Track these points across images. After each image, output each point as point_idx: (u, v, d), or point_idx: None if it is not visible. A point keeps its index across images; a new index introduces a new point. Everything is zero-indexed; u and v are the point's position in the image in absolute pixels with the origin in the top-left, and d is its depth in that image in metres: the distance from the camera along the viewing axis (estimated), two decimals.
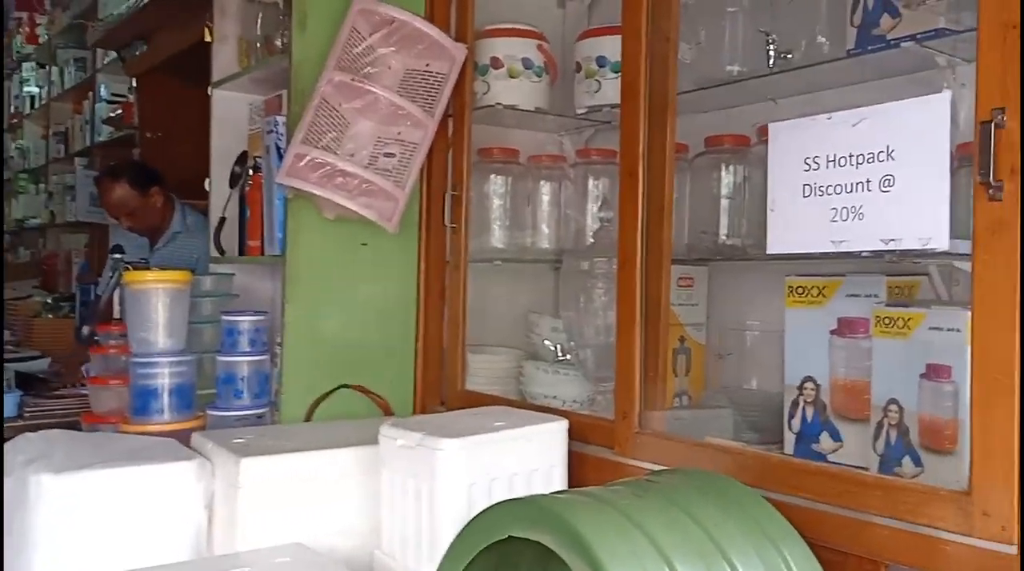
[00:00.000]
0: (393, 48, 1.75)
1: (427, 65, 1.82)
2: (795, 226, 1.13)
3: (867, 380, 1.32)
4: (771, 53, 1.49)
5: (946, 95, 0.98)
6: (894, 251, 1.03)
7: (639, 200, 1.38)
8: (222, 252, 2.11)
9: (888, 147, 1.03)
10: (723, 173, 1.70)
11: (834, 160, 1.09)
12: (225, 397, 1.79)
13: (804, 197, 1.12)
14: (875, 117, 1.05)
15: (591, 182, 1.98)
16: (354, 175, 1.62)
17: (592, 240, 1.87)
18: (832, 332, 1.37)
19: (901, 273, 1.37)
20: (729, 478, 1.06)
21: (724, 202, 1.70)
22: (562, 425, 1.42)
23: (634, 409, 1.38)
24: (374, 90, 1.67)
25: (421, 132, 1.75)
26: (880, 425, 1.25)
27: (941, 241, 0.98)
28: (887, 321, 1.24)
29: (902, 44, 1.29)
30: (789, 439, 1.44)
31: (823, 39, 1.49)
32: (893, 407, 1.23)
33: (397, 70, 1.81)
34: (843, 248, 1.08)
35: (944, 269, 1.39)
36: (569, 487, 1.41)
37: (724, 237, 1.69)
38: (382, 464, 1.38)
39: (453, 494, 1.26)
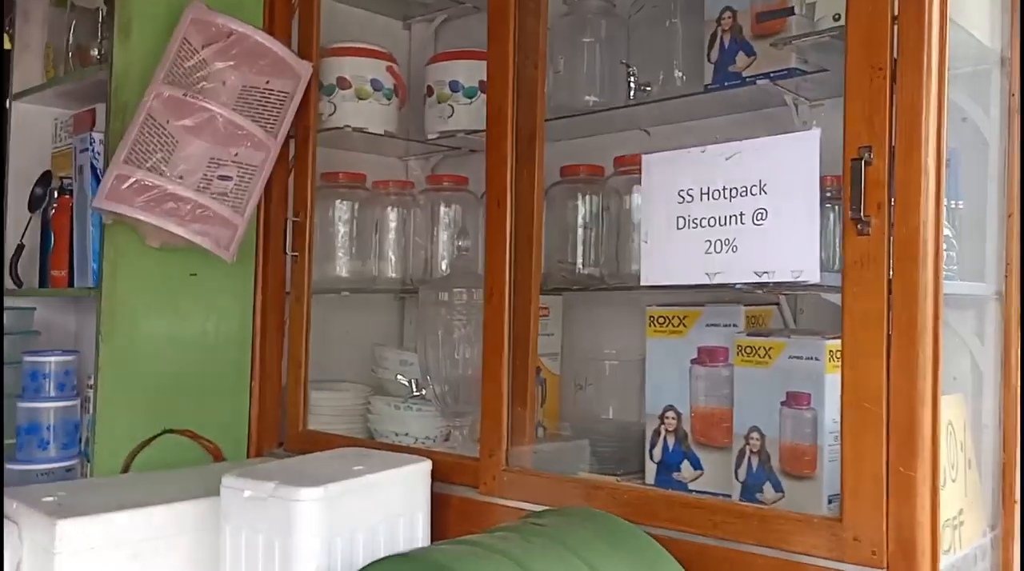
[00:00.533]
0: (231, 63, 1.63)
1: (267, 82, 1.71)
2: (670, 258, 1.15)
3: (728, 408, 1.35)
4: (632, 84, 1.52)
5: (816, 132, 1.03)
6: (767, 283, 1.07)
7: (507, 230, 1.36)
8: (19, 284, 1.87)
9: (760, 181, 1.06)
10: (579, 202, 1.71)
11: (708, 193, 1.11)
12: (27, 449, 1.58)
13: (678, 229, 1.14)
14: (748, 152, 1.08)
15: (443, 209, 1.94)
16: (187, 200, 1.49)
17: (448, 270, 1.82)
18: (693, 361, 1.40)
19: (756, 303, 1.42)
20: (613, 516, 1.04)
21: (580, 232, 1.71)
22: (425, 466, 1.35)
23: (501, 446, 1.34)
24: (210, 107, 1.54)
25: (262, 154, 1.64)
26: (742, 452, 1.29)
27: (812, 274, 1.02)
28: (748, 350, 1.28)
29: (758, 82, 1.35)
30: (650, 468, 1.45)
31: (680, 73, 1.54)
32: (755, 434, 1.27)
33: (233, 86, 1.68)
34: (718, 280, 1.10)
35: (790, 299, 1.47)
36: (433, 532, 1.34)
37: (580, 266, 1.70)
38: (224, 519, 1.25)
39: (313, 550, 1.16)
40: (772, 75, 1.36)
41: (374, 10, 2.13)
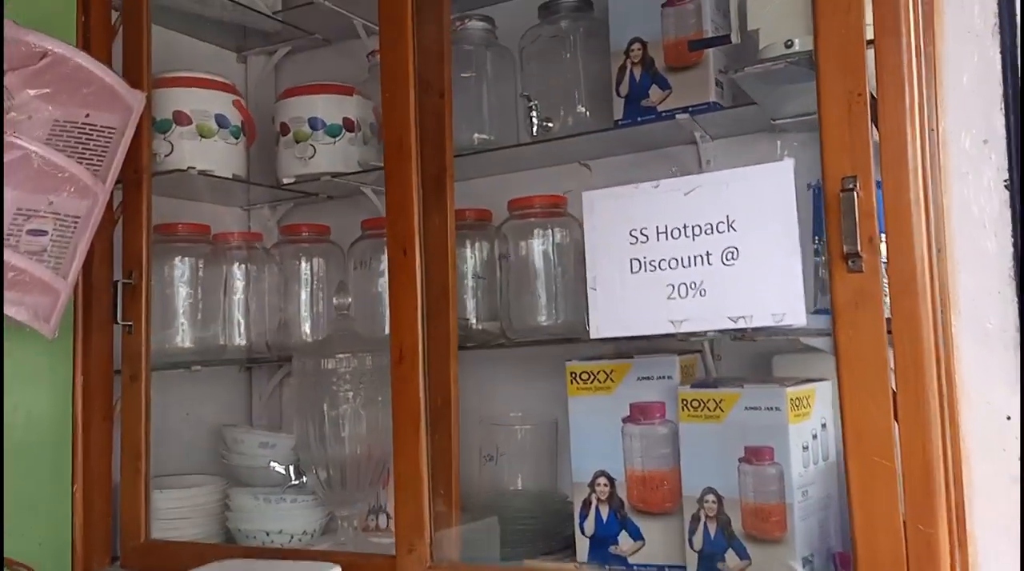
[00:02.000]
0: (45, 90, 1.36)
1: (87, 116, 1.44)
2: (624, 306, 1.04)
3: (668, 469, 1.26)
4: (535, 120, 1.42)
5: (789, 163, 0.97)
6: (744, 329, 0.99)
7: (417, 281, 1.20)
8: None
9: (728, 217, 0.99)
10: (468, 251, 1.58)
11: (666, 232, 1.03)
12: None
13: (633, 273, 1.04)
14: (709, 186, 1.01)
15: (302, 264, 1.73)
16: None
17: (323, 334, 1.62)
18: (625, 420, 1.30)
19: (680, 351, 1.35)
20: None
21: (470, 283, 1.57)
22: None
23: (424, 538, 1.16)
24: (22, 143, 1.26)
25: (87, 202, 1.37)
26: (696, 518, 1.19)
27: (797, 316, 0.95)
28: (695, 404, 1.20)
29: (677, 116, 1.30)
30: (582, 544, 1.32)
31: (583, 109, 1.46)
32: (710, 496, 1.18)
33: (43, 121, 1.40)
34: (685, 328, 1.01)
35: (716, 343, 1.42)
36: None
37: (473, 321, 1.56)
38: None
39: None
40: (691, 109, 1.31)
41: (205, 39, 1.91)
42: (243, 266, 1.73)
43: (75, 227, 1.36)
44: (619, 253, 1.05)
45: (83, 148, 1.39)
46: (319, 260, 1.73)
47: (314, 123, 1.66)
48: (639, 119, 1.35)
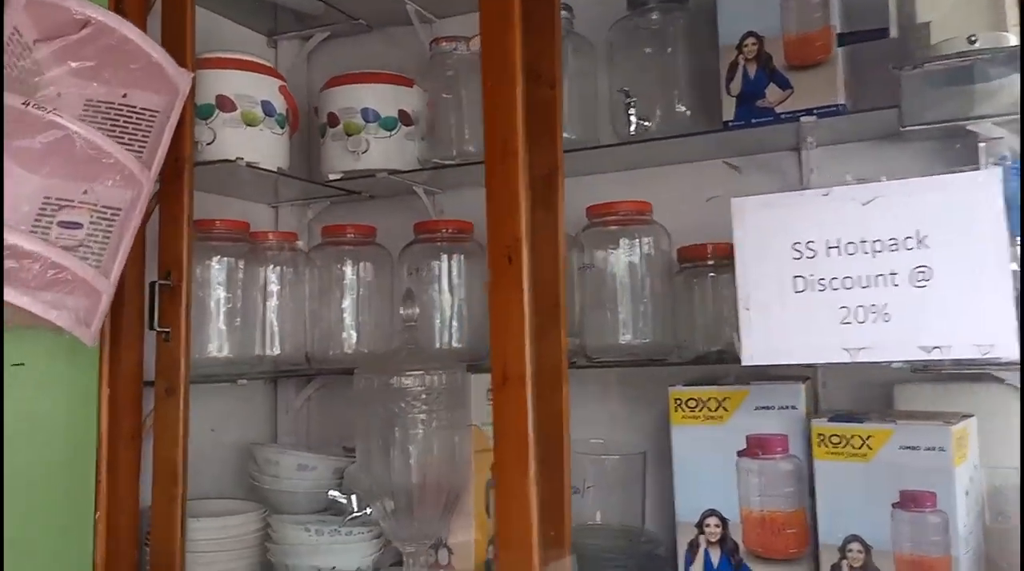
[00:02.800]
0: (90, 63, 1.20)
1: (124, 96, 1.28)
2: (786, 329, 0.92)
3: (792, 511, 1.14)
4: (633, 118, 1.30)
5: (996, 171, 0.86)
6: (942, 361, 0.87)
7: (524, 291, 1.06)
8: None
9: (918, 232, 0.87)
10: None
11: (838, 246, 0.91)
12: None
13: (797, 292, 0.92)
14: (894, 195, 0.89)
15: (347, 268, 1.58)
16: (34, 256, 1.03)
17: (371, 345, 1.47)
18: (740, 453, 1.18)
19: (776, 378, 1.23)
20: None
21: None
22: None
23: None
24: (65, 124, 1.10)
25: (130, 193, 1.21)
26: (838, 568, 1.07)
27: (1009, 348, 0.83)
28: (834, 440, 1.08)
29: (802, 119, 1.18)
30: None
31: (684, 108, 1.34)
32: (855, 545, 1.06)
33: (72, 98, 1.24)
34: (863, 357, 0.89)
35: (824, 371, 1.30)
36: None
37: None
38: None
39: None
40: (817, 111, 1.20)
41: (232, 18, 1.75)
42: (278, 269, 1.57)
43: (115, 220, 1.20)
44: (779, 269, 0.93)
45: (121, 131, 1.23)
46: (367, 264, 1.58)
47: (367, 115, 1.52)
48: (753, 121, 1.23)
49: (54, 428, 1.27)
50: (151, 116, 1.28)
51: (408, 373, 1.26)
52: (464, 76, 1.52)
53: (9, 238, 1.01)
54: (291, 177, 1.53)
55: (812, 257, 0.92)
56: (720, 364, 1.30)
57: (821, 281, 0.91)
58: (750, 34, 1.25)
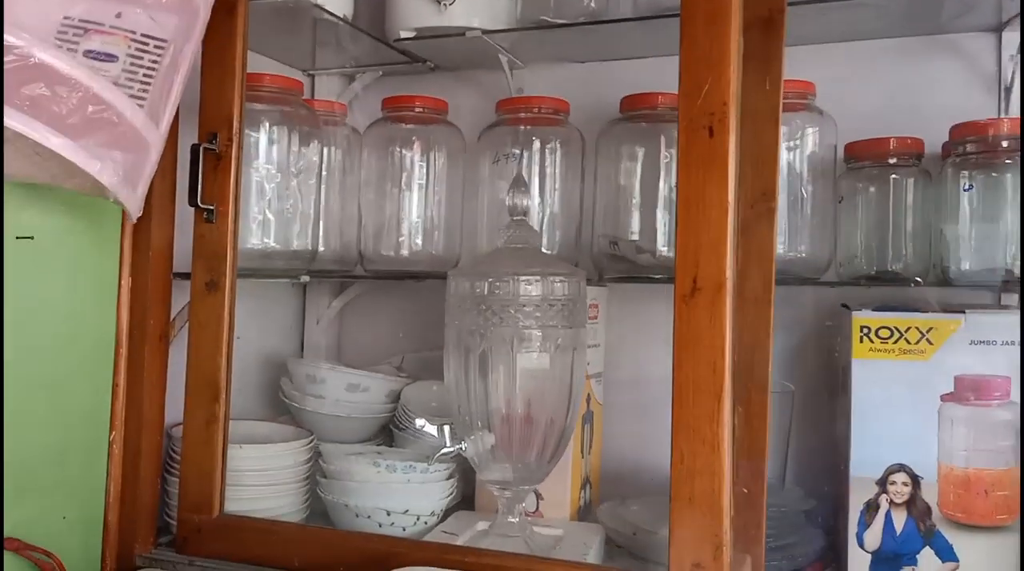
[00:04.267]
0: None
1: None
2: None
3: (1004, 469, 0.95)
4: None
5: None
6: None
7: (729, 177, 0.82)
8: None
9: None
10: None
11: None
12: None
13: None
14: None
15: (416, 153, 1.32)
16: (75, 83, 0.75)
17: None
18: (945, 397, 0.98)
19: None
20: None
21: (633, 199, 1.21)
22: None
23: (724, 551, 0.81)
24: None
25: (180, 20, 0.92)
26: None
27: None
28: None
29: None
30: (858, 559, 1.01)
31: None
32: None
33: None
34: None
35: None
36: None
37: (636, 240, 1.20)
38: None
39: None
40: None
41: None
42: (327, 148, 1.30)
43: (160, 54, 0.92)
44: None
45: None
46: (439, 148, 1.32)
47: None
48: None
49: (64, 322, 1.00)
50: None
51: (523, 277, 1.02)
52: None
53: (39, 53, 0.73)
54: (362, 31, 1.24)
55: None
56: (895, 284, 1.10)
57: None
58: None
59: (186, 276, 1.07)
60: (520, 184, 1.08)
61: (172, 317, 1.10)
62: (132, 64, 0.91)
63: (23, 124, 0.71)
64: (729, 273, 0.82)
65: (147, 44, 0.92)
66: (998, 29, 1.15)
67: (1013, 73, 1.13)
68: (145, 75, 0.91)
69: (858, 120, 1.17)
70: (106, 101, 0.78)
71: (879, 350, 1.00)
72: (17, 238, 0.92)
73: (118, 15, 0.92)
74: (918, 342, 0.98)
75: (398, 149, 1.32)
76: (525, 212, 1.08)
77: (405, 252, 1.32)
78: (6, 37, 0.72)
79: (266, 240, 1.18)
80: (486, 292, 1.02)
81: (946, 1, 1.08)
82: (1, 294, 0.86)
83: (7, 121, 0.71)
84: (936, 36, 1.19)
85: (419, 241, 1.30)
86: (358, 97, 1.47)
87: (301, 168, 1.21)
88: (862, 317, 1.01)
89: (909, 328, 0.99)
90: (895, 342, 0.99)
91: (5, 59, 0.71)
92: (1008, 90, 1.14)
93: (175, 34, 0.92)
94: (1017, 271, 1.00)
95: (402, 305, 1.48)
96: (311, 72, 1.50)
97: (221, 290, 1.04)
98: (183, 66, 0.91)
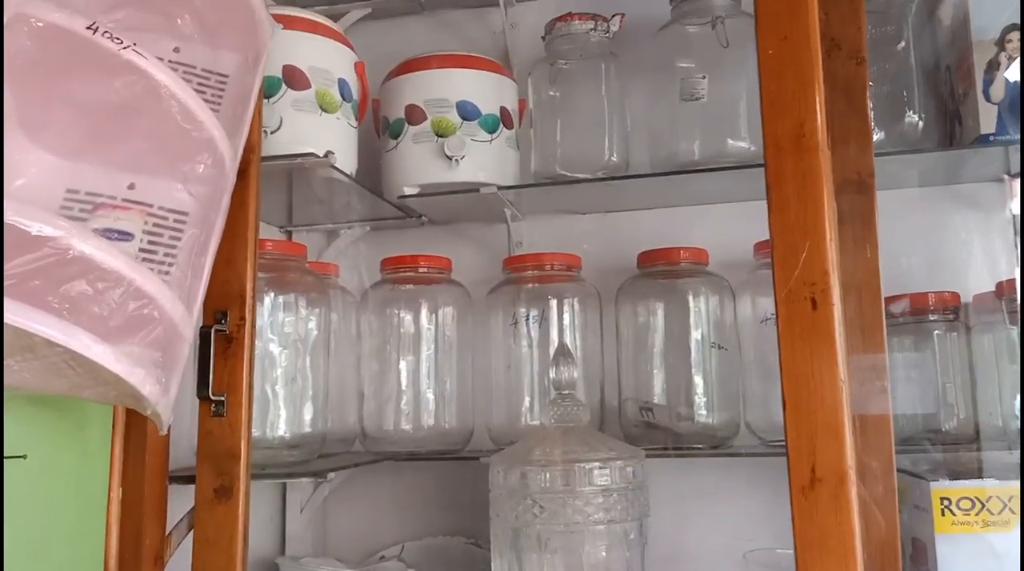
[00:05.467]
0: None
1: (176, 51, 0.91)
2: None
3: None
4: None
5: None
6: None
7: (837, 351, 0.77)
8: None
9: None
10: (698, 303, 1.17)
11: None
12: None
13: None
14: None
15: (422, 317, 1.23)
16: (117, 276, 0.64)
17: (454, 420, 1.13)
18: None
19: None
20: None
21: (700, 355, 1.16)
22: None
23: None
24: (149, 69, 0.72)
25: (210, 189, 0.83)
26: None
27: None
28: None
29: None
30: None
31: (917, 118, 1.11)
32: None
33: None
34: None
35: None
36: None
37: (703, 414, 1.14)
38: None
39: None
40: None
41: None
42: (329, 316, 1.20)
43: (182, 229, 0.81)
44: None
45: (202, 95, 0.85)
46: (449, 310, 1.24)
47: (466, 110, 1.19)
48: None
49: (42, 545, 0.84)
50: (219, 83, 0.91)
51: (587, 464, 0.93)
52: (584, 70, 1.23)
53: (78, 244, 0.62)
54: (367, 190, 1.17)
55: None
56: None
57: None
58: (1014, 27, 1.04)
59: (182, 479, 0.93)
60: (565, 354, 1.01)
61: (168, 532, 0.95)
62: (151, 243, 0.80)
63: (61, 332, 0.59)
64: (851, 460, 0.75)
65: (167, 218, 0.82)
66: (1001, 179, 1.18)
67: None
68: (166, 254, 0.80)
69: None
70: (148, 294, 0.67)
71: (963, 523, 0.94)
72: (9, 457, 0.77)
73: (131, 186, 0.82)
74: (1001, 512, 0.94)
75: (400, 312, 1.23)
76: (573, 386, 1.00)
77: (409, 427, 1.21)
78: (40, 226, 0.61)
79: (276, 431, 1.05)
80: (544, 484, 0.93)
81: (971, 158, 1.09)
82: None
83: (42, 328, 0.59)
84: (947, 186, 1.21)
85: (430, 414, 1.20)
86: (343, 253, 1.38)
87: (309, 341, 1.10)
88: (939, 488, 0.95)
89: (991, 497, 0.94)
90: (977, 513, 0.94)
91: (38, 254, 0.60)
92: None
93: (201, 206, 0.82)
94: None
95: (397, 487, 1.35)
96: (288, 229, 1.40)
97: (234, 497, 0.91)
98: (212, 241, 0.81)
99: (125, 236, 0.80)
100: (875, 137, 1.07)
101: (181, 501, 0.94)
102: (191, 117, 0.76)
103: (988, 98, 1.05)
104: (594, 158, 1.19)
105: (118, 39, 0.70)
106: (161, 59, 0.85)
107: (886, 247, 1.18)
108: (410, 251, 1.28)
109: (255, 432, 1.03)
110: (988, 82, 1.05)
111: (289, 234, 1.41)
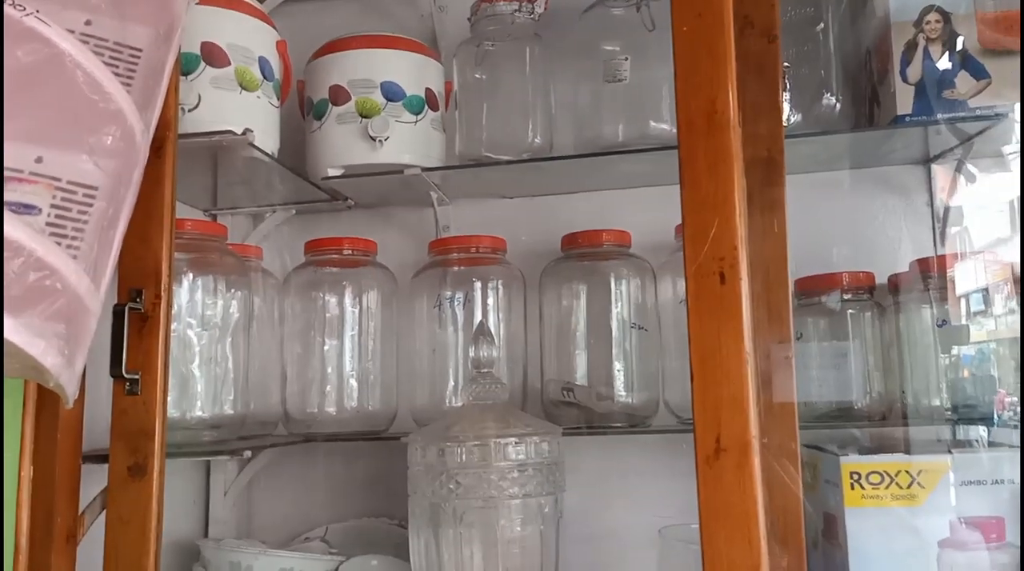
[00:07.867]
0: None
1: (88, 23, 0.91)
2: None
3: None
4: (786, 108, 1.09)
5: None
6: None
7: (744, 326, 0.80)
8: None
9: None
10: (621, 286, 1.20)
11: None
12: None
13: None
14: None
15: (346, 300, 1.24)
16: (18, 246, 0.65)
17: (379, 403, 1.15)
18: (943, 543, 0.98)
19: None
20: None
21: (620, 333, 1.19)
22: None
23: None
24: (54, 39, 0.72)
25: (121, 163, 0.83)
26: None
27: None
28: None
29: (1012, 115, 1.03)
30: None
31: (834, 99, 1.15)
32: None
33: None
34: None
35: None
36: None
37: (621, 394, 1.17)
38: None
39: None
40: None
41: None
42: (251, 298, 1.20)
43: (91, 204, 0.82)
44: None
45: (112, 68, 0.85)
46: (373, 293, 1.25)
47: (391, 91, 1.21)
48: (942, 116, 1.07)
49: None
50: (131, 56, 0.92)
51: (503, 440, 0.96)
52: (509, 52, 1.25)
53: None
54: (290, 170, 1.18)
55: None
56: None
57: None
58: (933, 8, 1.09)
59: (96, 459, 0.93)
60: (485, 333, 1.03)
61: (81, 511, 0.95)
62: (59, 217, 0.80)
63: None
64: (755, 431, 0.79)
65: (75, 193, 0.82)
66: (926, 162, 1.23)
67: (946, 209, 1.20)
68: (75, 229, 0.81)
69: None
70: (50, 266, 0.67)
71: (871, 496, 0.99)
72: None
73: (38, 159, 0.82)
74: (909, 486, 0.99)
75: (324, 295, 1.24)
76: (492, 364, 1.03)
77: (332, 409, 1.22)
78: None
79: (194, 411, 1.06)
80: (460, 459, 0.95)
81: (887, 139, 1.14)
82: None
83: None
84: (867, 169, 1.26)
85: (353, 397, 1.21)
86: (268, 237, 1.38)
87: (229, 323, 1.10)
88: (849, 462, 1.00)
89: (899, 471, 0.99)
90: (886, 487, 0.99)
91: None
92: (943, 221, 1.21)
93: (110, 179, 0.82)
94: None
95: (319, 470, 1.37)
96: (212, 212, 1.40)
97: (148, 475, 0.92)
98: (122, 216, 0.82)
99: (30, 209, 0.80)
100: (793, 119, 1.12)
101: (96, 482, 0.94)
102: (98, 87, 0.76)
103: (905, 79, 1.09)
104: (518, 140, 1.21)
105: (20, 6, 0.70)
106: (72, 31, 0.86)
107: (809, 229, 1.23)
108: (336, 235, 1.29)
109: (174, 413, 1.04)
110: (906, 63, 1.10)
111: (214, 217, 1.41)
